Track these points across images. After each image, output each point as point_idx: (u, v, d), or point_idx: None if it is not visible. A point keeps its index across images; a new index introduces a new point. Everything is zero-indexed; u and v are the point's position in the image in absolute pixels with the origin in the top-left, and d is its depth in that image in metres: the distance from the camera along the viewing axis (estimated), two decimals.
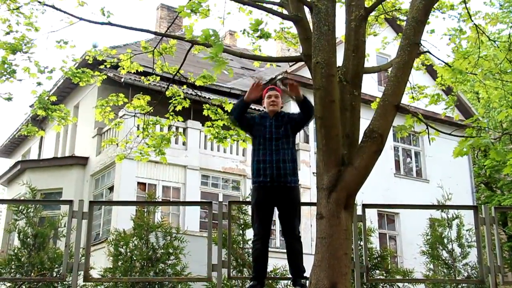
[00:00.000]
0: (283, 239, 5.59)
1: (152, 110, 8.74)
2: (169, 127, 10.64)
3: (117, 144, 9.36)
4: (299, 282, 5.17)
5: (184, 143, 16.64)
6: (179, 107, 8.74)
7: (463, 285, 7.56)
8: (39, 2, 7.05)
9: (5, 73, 7.02)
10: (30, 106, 20.56)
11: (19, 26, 7.38)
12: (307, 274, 4.98)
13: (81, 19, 6.58)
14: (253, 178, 5.36)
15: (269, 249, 5.47)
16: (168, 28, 9.09)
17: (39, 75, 7.51)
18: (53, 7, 6.78)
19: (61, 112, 8.15)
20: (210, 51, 4.66)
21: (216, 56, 4.34)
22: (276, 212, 5.39)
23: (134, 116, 8.83)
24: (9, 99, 7.17)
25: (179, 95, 8.70)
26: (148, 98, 8.76)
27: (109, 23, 6.44)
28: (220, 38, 4.78)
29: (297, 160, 5.55)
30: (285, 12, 5.96)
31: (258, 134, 5.37)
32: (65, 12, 6.67)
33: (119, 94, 8.89)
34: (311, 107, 5.18)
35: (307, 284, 4.85)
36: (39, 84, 7.58)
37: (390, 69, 5.17)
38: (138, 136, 8.81)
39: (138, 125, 8.99)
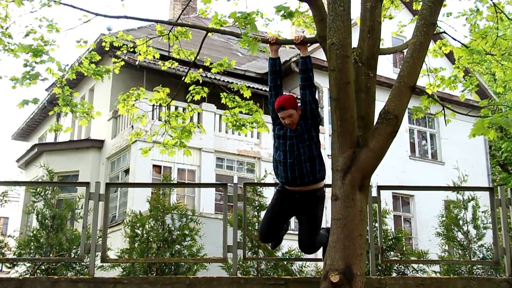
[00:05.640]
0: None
1: (171, 103, 8.74)
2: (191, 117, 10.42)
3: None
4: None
5: (199, 126, 16.69)
6: (197, 97, 8.71)
7: (478, 266, 7.56)
8: (55, 1, 7.04)
9: (28, 76, 7.03)
10: (46, 90, 20.72)
11: (41, 29, 7.41)
12: (321, 255, 4.99)
13: (97, 14, 6.56)
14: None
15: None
16: (182, 11, 9.07)
17: (60, 74, 7.52)
18: (71, 6, 6.75)
19: (85, 107, 8.17)
20: (243, 33, 4.68)
21: (248, 38, 4.36)
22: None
23: (153, 109, 8.81)
24: (35, 102, 7.23)
25: (197, 80, 8.67)
26: (167, 90, 8.71)
27: (125, 16, 6.43)
28: (255, 19, 4.80)
29: (320, 152, 5.16)
30: None
31: (276, 128, 5.16)
32: (81, 9, 6.66)
33: (140, 88, 8.88)
34: (311, 68, 5.08)
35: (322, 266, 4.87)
36: (60, 81, 7.60)
37: (405, 50, 5.13)
38: (161, 128, 8.78)
39: (160, 117, 8.93)
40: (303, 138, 5.02)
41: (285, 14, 5.35)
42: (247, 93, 8.66)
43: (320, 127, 18.70)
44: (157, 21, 6.93)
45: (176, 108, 13.48)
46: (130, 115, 9.06)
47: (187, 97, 8.66)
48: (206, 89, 8.57)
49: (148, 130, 8.98)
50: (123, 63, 8.98)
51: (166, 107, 8.70)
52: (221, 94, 8.71)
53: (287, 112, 5.00)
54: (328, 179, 4.99)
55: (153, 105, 8.83)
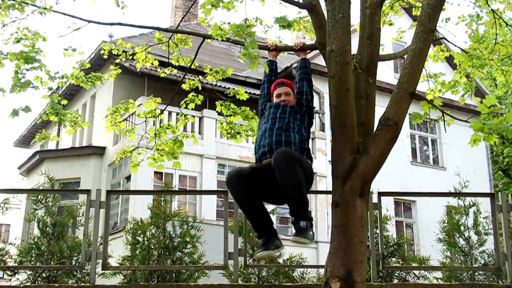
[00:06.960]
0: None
1: (162, 116, 8.66)
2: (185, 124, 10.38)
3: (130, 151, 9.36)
4: (298, 225, 4.40)
5: (200, 132, 16.72)
6: (191, 105, 8.67)
7: (480, 272, 7.54)
8: (45, 9, 6.98)
9: (19, 83, 6.98)
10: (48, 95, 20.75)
11: (27, 38, 7.30)
12: (322, 262, 4.97)
13: (89, 21, 6.45)
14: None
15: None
16: (182, 18, 9.07)
17: (50, 82, 7.43)
18: (62, 13, 6.67)
19: (73, 116, 8.06)
20: (243, 47, 4.68)
21: (249, 52, 4.37)
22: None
23: (146, 121, 8.76)
24: (27, 110, 7.19)
25: (197, 87, 8.65)
26: (159, 100, 8.67)
27: (119, 23, 6.39)
28: (255, 34, 4.80)
29: (309, 140, 4.95)
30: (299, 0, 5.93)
31: (267, 112, 4.99)
32: (73, 16, 6.61)
33: (129, 100, 8.84)
34: (309, 67, 5.14)
35: (323, 272, 4.84)
36: (50, 89, 7.56)
37: (405, 56, 5.14)
38: (150, 142, 8.70)
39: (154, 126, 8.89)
40: (296, 117, 4.89)
41: (283, 25, 5.38)
42: (243, 96, 8.62)
43: (321, 133, 18.73)
44: (153, 28, 6.90)
45: (178, 114, 13.43)
46: (117, 130, 9.02)
47: (180, 104, 8.62)
48: (200, 97, 8.54)
49: (148, 136, 8.94)
50: (120, 71, 8.96)
51: (157, 120, 8.66)
52: (216, 102, 8.68)
53: (285, 89, 5.03)
54: (328, 185, 4.98)
55: (153, 117, 8.78)
